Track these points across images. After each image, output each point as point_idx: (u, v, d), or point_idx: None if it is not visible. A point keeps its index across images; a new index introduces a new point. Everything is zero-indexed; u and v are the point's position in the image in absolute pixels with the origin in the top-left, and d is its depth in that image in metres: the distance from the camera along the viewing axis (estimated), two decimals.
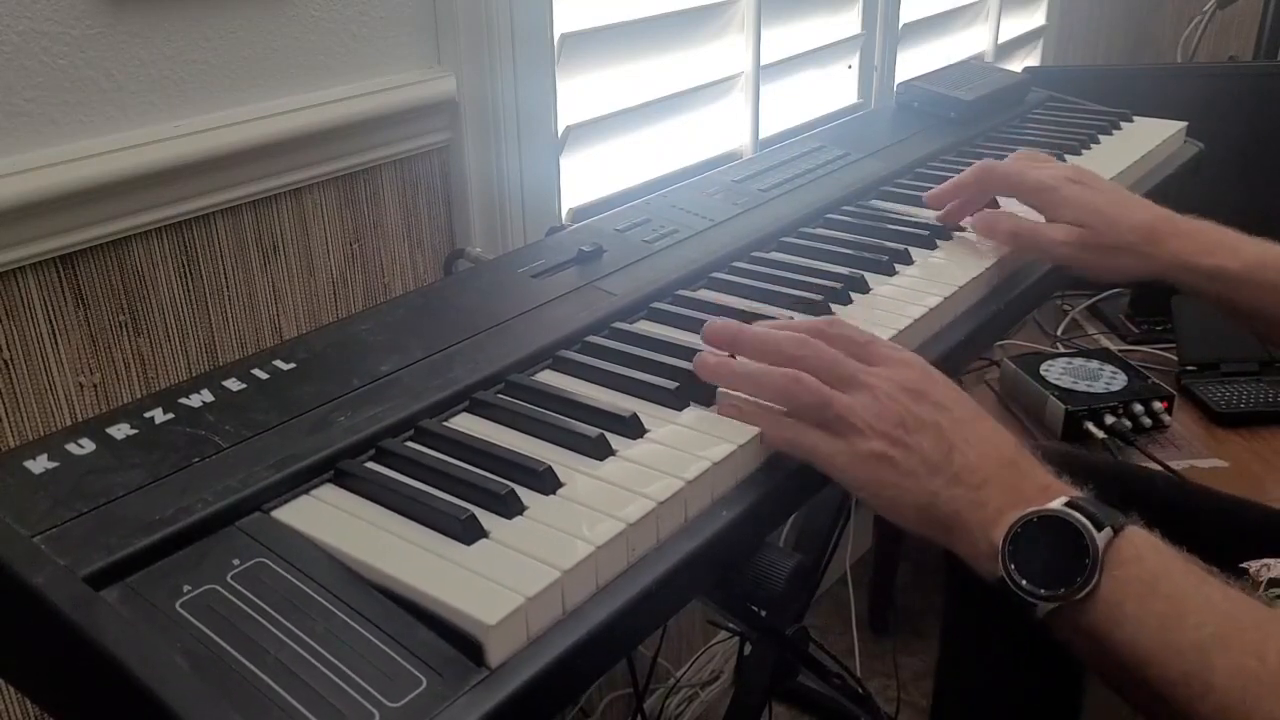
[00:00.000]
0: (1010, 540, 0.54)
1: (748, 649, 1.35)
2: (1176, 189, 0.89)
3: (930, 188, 0.98)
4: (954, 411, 0.59)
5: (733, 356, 0.63)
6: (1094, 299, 1.63)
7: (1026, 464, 0.58)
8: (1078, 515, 0.53)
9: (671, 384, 0.61)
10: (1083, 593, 0.52)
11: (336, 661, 0.42)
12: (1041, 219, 0.85)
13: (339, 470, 0.53)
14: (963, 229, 0.89)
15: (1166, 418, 1.25)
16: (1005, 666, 1.12)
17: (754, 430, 0.58)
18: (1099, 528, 0.53)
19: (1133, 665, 0.52)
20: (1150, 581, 0.52)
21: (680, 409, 0.60)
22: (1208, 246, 0.80)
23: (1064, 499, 0.55)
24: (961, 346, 0.75)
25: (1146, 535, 0.55)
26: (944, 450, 0.57)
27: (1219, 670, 0.50)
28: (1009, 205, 0.91)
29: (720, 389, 0.62)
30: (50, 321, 0.75)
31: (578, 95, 1.09)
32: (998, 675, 1.13)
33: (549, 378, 0.64)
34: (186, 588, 0.44)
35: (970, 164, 1.04)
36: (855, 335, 0.63)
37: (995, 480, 0.56)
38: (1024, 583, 0.53)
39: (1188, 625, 0.51)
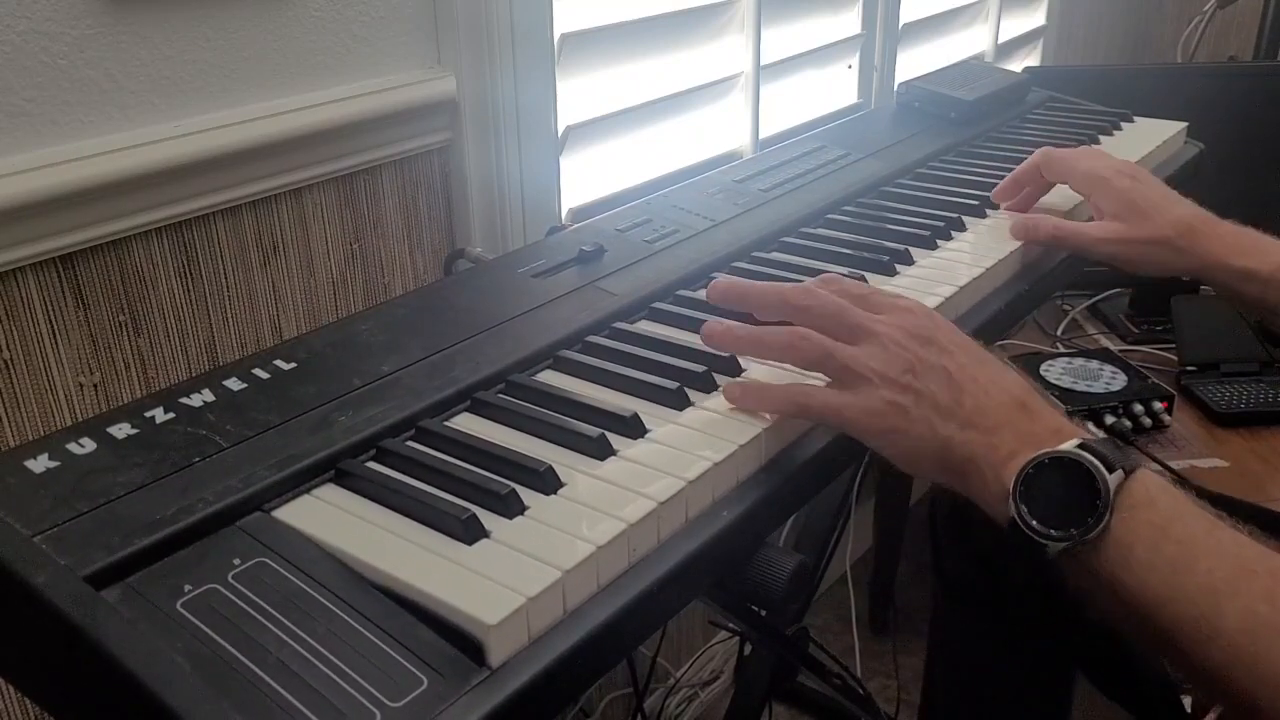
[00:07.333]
0: (1022, 481, 0.54)
1: (748, 649, 1.35)
2: (1177, 189, 0.89)
3: (931, 188, 0.98)
4: (961, 355, 0.59)
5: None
6: (1094, 299, 1.62)
7: (1038, 406, 0.58)
8: (1089, 456, 0.53)
9: (672, 384, 0.61)
10: (1093, 533, 0.52)
11: (337, 661, 0.42)
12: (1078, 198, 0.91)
13: (340, 470, 0.53)
14: (965, 228, 0.89)
15: (1166, 418, 1.25)
16: (994, 665, 1.12)
17: (755, 430, 0.58)
18: (1111, 469, 0.52)
19: (1142, 609, 0.51)
20: (1161, 525, 0.52)
21: (681, 409, 0.60)
22: (1240, 248, 0.83)
23: (1076, 440, 0.54)
24: None
25: (1158, 479, 0.54)
26: (954, 394, 0.57)
27: (1229, 615, 0.49)
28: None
29: (724, 388, 0.62)
30: (50, 321, 0.75)
31: (578, 95, 1.09)
32: (986, 673, 1.13)
33: (550, 377, 0.64)
34: (187, 587, 0.44)
35: (970, 164, 1.05)
36: (854, 288, 0.63)
37: (1007, 423, 0.56)
38: (1035, 524, 0.53)
39: (1198, 569, 0.50)
